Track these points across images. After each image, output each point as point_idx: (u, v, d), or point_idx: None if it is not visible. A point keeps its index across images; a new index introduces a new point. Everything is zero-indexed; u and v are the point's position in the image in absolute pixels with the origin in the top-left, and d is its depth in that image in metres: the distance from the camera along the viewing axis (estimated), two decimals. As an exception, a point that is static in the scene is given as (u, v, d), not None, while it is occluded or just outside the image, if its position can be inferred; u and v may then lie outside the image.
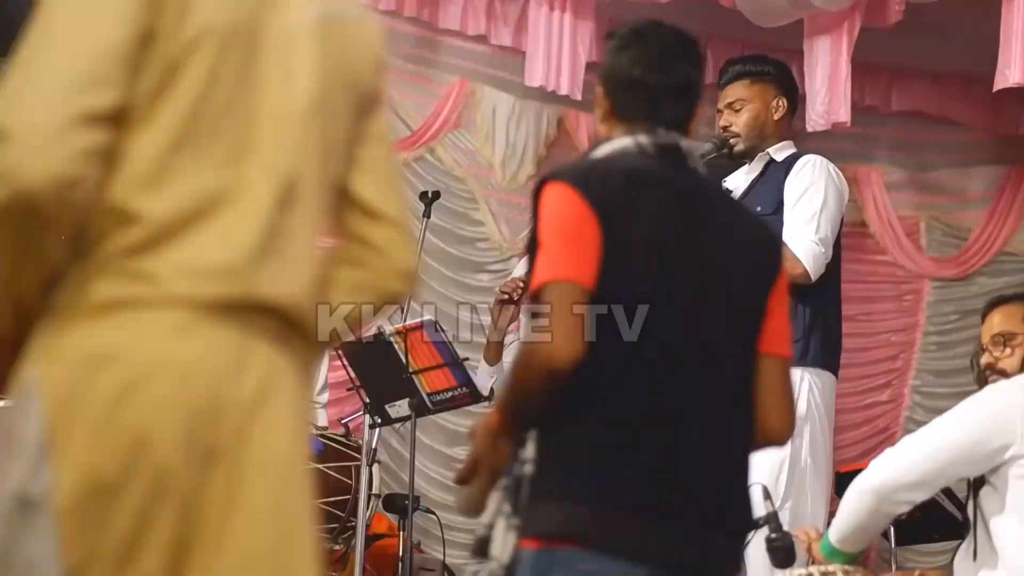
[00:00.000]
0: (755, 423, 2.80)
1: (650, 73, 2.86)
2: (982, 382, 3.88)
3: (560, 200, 2.68)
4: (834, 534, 3.63)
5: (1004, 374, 3.80)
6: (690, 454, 2.67)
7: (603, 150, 2.86)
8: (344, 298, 2.23)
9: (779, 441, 2.88)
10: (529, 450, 2.65)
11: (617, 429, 2.63)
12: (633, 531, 2.59)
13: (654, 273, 2.69)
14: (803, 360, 4.65)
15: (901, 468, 3.55)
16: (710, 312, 2.74)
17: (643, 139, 2.80)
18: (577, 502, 2.60)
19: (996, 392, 3.61)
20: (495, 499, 2.69)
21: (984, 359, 3.89)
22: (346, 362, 5.54)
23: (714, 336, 2.74)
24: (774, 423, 2.83)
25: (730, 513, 2.75)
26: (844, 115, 6.27)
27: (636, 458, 2.61)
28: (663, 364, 2.67)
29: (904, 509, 3.62)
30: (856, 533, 3.61)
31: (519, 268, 5.84)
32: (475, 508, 2.74)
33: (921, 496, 3.59)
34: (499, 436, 2.71)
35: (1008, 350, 3.83)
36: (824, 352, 4.69)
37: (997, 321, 3.88)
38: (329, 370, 6.42)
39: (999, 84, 5.63)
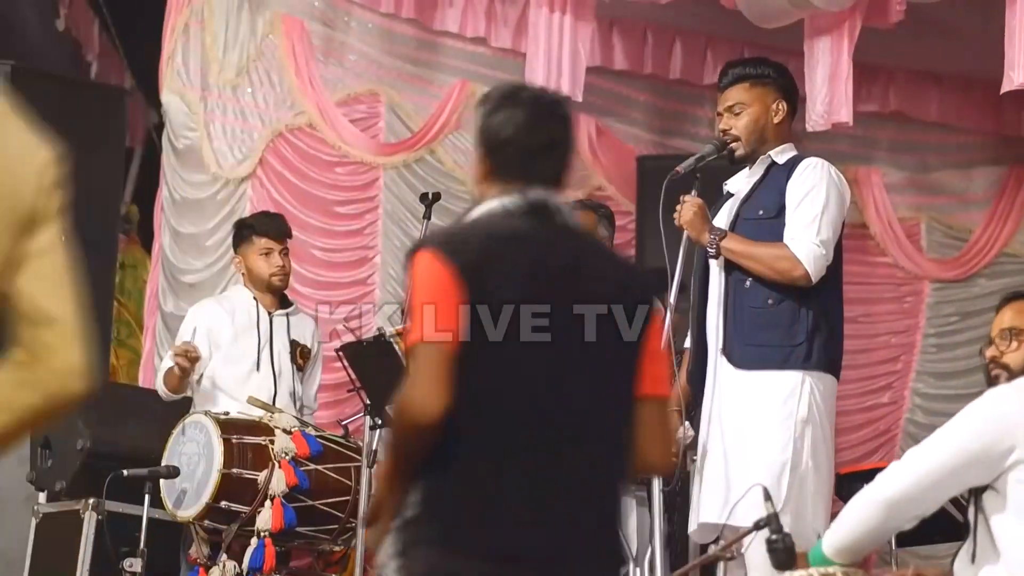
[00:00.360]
0: (627, 466, 2.99)
1: (519, 134, 2.98)
2: (987, 375, 3.87)
3: (425, 267, 2.87)
4: (830, 545, 3.60)
5: (1007, 368, 3.79)
6: (554, 503, 2.84)
7: (474, 212, 3.01)
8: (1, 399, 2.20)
9: (661, 474, 3.19)
10: (413, 495, 2.84)
11: (484, 478, 2.82)
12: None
13: (516, 329, 2.84)
14: (806, 363, 4.64)
15: (909, 482, 3.53)
16: (576, 363, 2.90)
17: (510, 200, 2.95)
18: (443, 549, 2.80)
19: (997, 398, 3.59)
20: (387, 541, 2.87)
21: (990, 352, 3.88)
22: (346, 363, 5.53)
23: (581, 385, 2.90)
24: (655, 460, 3.06)
25: (594, 562, 2.89)
26: (845, 115, 6.27)
27: (501, 506, 2.81)
28: (530, 415, 2.85)
29: (911, 524, 3.61)
30: (855, 546, 3.59)
31: None
32: (379, 547, 2.94)
33: (930, 509, 3.57)
34: (393, 481, 2.90)
35: (1014, 344, 3.82)
36: (826, 355, 4.69)
37: (1008, 316, 3.87)
38: (329, 372, 6.42)
39: (1006, 86, 5.62)
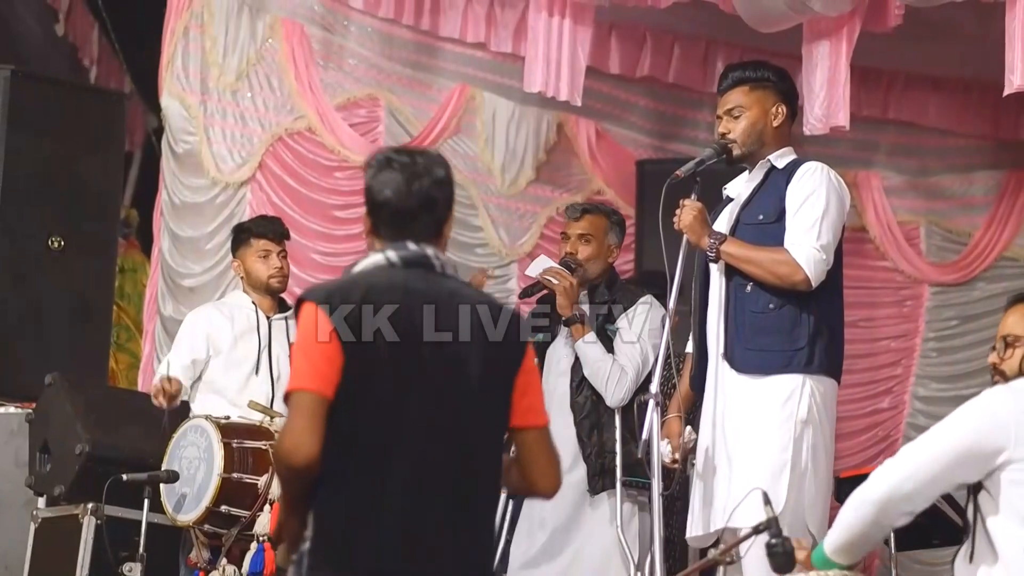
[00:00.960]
0: (494, 492, 3.35)
1: (395, 197, 3.32)
2: (992, 378, 3.87)
3: (307, 318, 3.22)
4: (829, 545, 3.61)
5: (1003, 376, 3.79)
6: (424, 527, 3.20)
7: (359, 266, 3.37)
8: None
9: (546, 498, 3.43)
10: (308, 530, 3.21)
11: (359, 510, 3.18)
12: None
13: (390, 374, 3.21)
14: (808, 367, 4.64)
15: (899, 478, 3.54)
16: (446, 401, 3.25)
17: (392, 253, 3.31)
18: (329, 571, 3.17)
19: (989, 397, 3.60)
20: (290, 572, 3.24)
21: (991, 357, 3.88)
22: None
23: (448, 419, 3.25)
24: (540, 486, 3.39)
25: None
26: (843, 119, 6.27)
27: (379, 532, 3.17)
28: (401, 451, 3.20)
29: (904, 521, 3.61)
30: (852, 545, 3.60)
31: (537, 265, 5.85)
32: (285, 567, 3.34)
33: (920, 506, 3.58)
34: (288, 516, 3.26)
35: (1009, 352, 3.82)
36: (827, 359, 4.68)
37: (1010, 322, 3.87)
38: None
39: (1007, 90, 5.61)
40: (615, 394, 5.58)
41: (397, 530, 3.18)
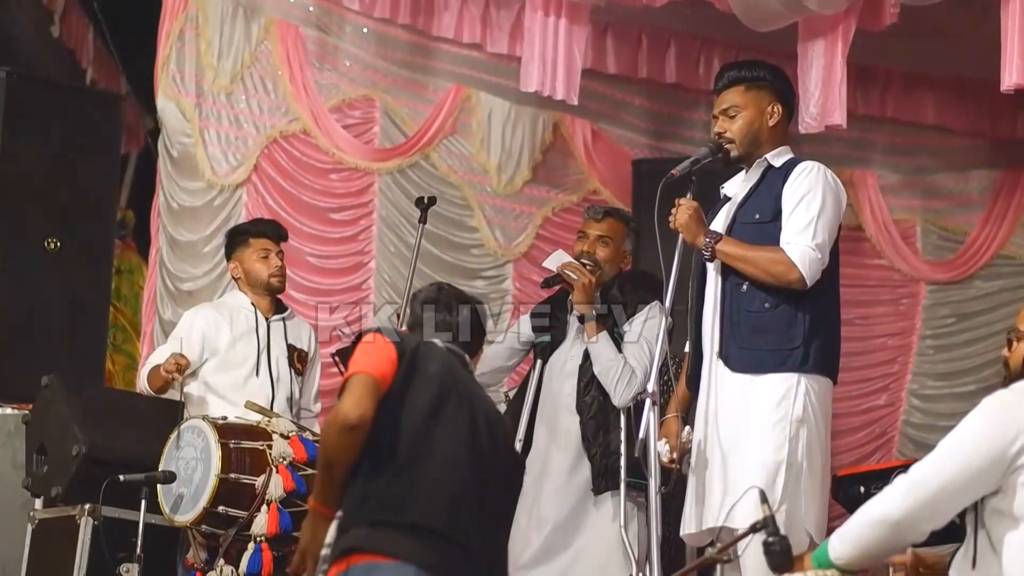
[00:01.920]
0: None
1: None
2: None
3: (371, 338, 3.93)
4: (839, 556, 3.57)
5: (1006, 366, 3.78)
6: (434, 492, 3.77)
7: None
8: None
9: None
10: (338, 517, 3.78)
11: (385, 479, 3.76)
12: (395, 542, 3.70)
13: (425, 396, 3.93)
14: (803, 367, 4.64)
15: (919, 502, 3.50)
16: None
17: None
18: (359, 527, 3.72)
19: (996, 406, 3.55)
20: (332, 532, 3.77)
21: (1003, 351, 3.86)
22: (342, 368, 5.53)
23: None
24: None
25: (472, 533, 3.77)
26: (839, 118, 6.27)
27: (395, 496, 3.74)
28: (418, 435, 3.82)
29: (922, 539, 3.60)
30: (863, 559, 3.58)
31: (554, 258, 5.87)
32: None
33: (941, 523, 3.56)
34: (315, 525, 3.80)
35: (1016, 344, 3.79)
36: (823, 358, 4.68)
37: (1022, 315, 3.84)
38: (326, 377, 6.42)
39: (1004, 87, 5.61)
40: (623, 395, 5.58)
41: (407, 495, 3.75)
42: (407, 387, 3.83)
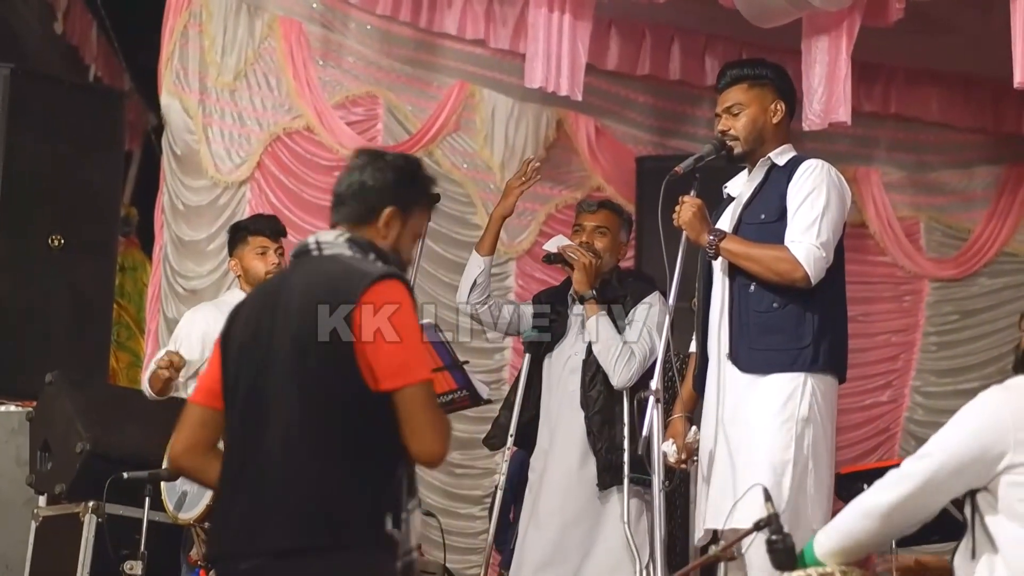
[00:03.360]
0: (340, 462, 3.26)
1: (336, 185, 3.50)
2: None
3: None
4: (823, 548, 3.57)
5: (1016, 349, 3.78)
6: (233, 496, 3.34)
7: None
8: None
9: (430, 464, 3.32)
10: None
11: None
12: (210, 548, 3.49)
13: (232, 357, 3.52)
14: (812, 365, 4.63)
15: (904, 493, 3.51)
16: (272, 372, 3.36)
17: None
18: None
19: (987, 403, 3.56)
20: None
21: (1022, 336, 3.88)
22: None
23: (272, 390, 3.34)
24: (416, 450, 3.26)
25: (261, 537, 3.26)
26: (844, 115, 6.26)
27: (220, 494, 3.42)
28: (234, 422, 3.46)
29: (910, 531, 3.60)
30: (849, 551, 3.58)
31: (553, 242, 5.87)
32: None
33: (929, 516, 3.57)
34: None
35: None
36: (831, 357, 4.67)
37: None
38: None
39: (1016, 83, 5.57)
40: (622, 375, 5.56)
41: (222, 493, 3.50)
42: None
